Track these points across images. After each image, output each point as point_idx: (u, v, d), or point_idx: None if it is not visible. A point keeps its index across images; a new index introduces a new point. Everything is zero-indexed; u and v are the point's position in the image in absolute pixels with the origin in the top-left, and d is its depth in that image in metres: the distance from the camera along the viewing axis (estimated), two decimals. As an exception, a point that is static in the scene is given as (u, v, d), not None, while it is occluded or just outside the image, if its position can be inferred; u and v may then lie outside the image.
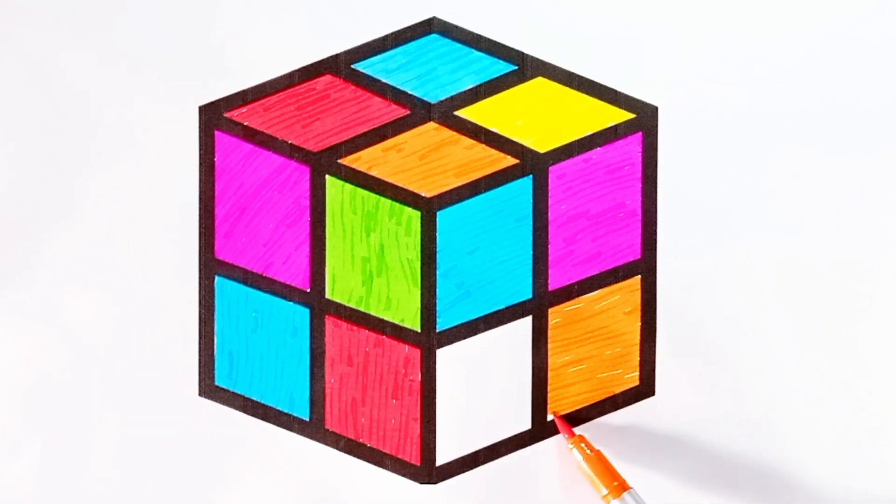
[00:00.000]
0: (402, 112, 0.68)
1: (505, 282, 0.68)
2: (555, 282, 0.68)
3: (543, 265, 0.68)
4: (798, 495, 0.66)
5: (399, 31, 0.68)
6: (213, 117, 0.68)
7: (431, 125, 0.68)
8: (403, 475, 0.68)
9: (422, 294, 0.68)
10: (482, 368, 0.67)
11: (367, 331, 0.68)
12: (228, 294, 0.68)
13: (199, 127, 0.68)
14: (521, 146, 0.68)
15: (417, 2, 0.68)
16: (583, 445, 0.64)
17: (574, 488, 0.66)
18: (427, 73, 0.68)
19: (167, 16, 0.68)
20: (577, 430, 0.67)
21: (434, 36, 0.68)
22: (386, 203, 0.68)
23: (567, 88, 0.68)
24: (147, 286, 0.67)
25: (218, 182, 0.68)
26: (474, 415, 0.67)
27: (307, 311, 0.68)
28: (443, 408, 0.68)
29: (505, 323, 0.68)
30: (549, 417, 0.67)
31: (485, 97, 0.68)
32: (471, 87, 0.68)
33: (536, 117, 0.68)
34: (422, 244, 0.68)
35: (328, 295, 0.68)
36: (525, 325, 0.68)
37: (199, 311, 0.68)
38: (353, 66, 0.68)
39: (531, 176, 0.68)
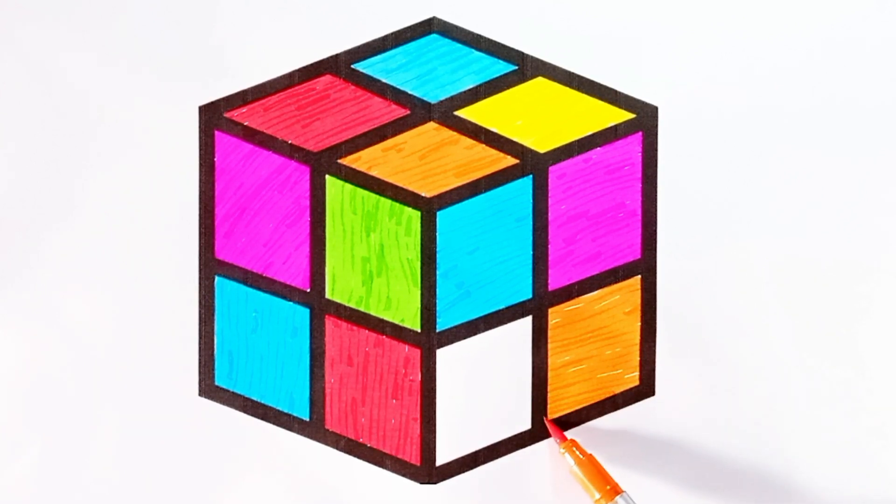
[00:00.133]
0: (402, 112, 0.68)
1: (505, 282, 0.68)
2: (555, 282, 0.68)
3: (543, 265, 0.68)
4: (798, 495, 0.66)
5: (399, 31, 0.68)
6: (213, 117, 0.68)
7: (431, 125, 0.68)
8: (403, 475, 0.68)
9: (422, 294, 0.68)
10: (482, 368, 0.67)
11: (367, 331, 0.68)
12: (228, 294, 0.68)
13: (199, 127, 0.68)
14: (521, 146, 0.68)
15: (417, 2, 0.68)
16: (574, 450, 0.64)
17: (574, 488, 0.66)
18: (427, 73, 0.68)
19: (167, 16, 0.68)
20: (578, 431, 0.67)
21: (434, 36, 0.68)
22: (386, 203, 0.68)
23: (567, 88, 0.68)
24: (147, 286, 0.67)
25: (218, 182, 0.68)
26: (474, 415, 0.67)
27: (307, 311, 0.68)
28: (443, 408, 0.68)
29: (505, 323, 0.68)
30: (549, 417, 0.67)
31: (485, 97, 0.68)
32: (471, 87, 0.68)
33: (536, 117, 0.68)
34: (422, 244, 0.68)
35: (328, 295, 0.68)
36: (525, 325, 0.68)
37: (199, 311, 0.68)
38: (353, 66, 0.68)
39: (531, 176, 0.68)
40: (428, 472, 0.68)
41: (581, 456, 0.64)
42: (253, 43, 0.68)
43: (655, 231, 0.68)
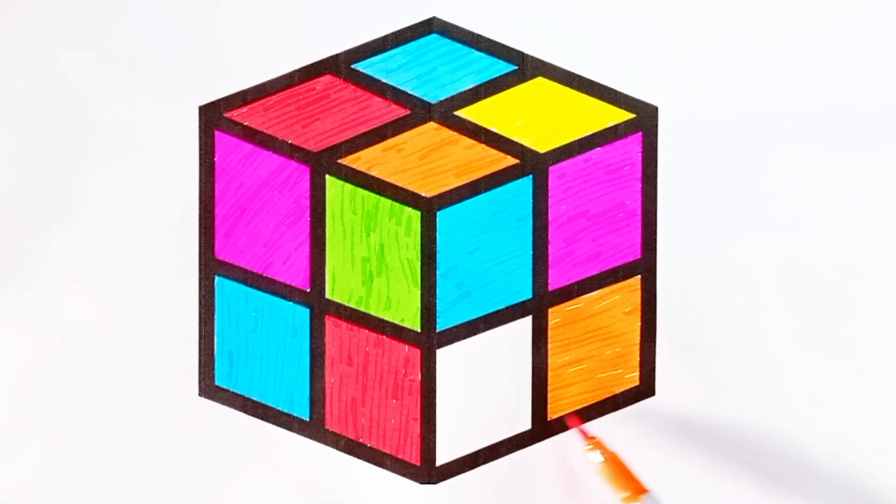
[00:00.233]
0: (402, 112, 0.68)
1: (505, 282, 0.68)
2: (555, 282, 0.68)
3: (543, 265, 0.68)
4: (798, 495, 0.66)
5: (399, 31, 0.68)
6: (213, 117, 0.68)
7: (431, 125, 0.68)
8: (403, 475, 0.68)
9: (422, 294, 0.68)
10: (482, 368, 0.67)
11: (367, 331, 0.68)
12: (228, 294, 0.68)
13: (199, 127, 0.68)
14: (521, 146, 0.68)
15: (417, 2, 0.68)
16: (600, 451, 0.64)
17: (573, 488, 0.66)
18: (427, 73, 0.68)
19: (167, 16, 0.68)
20: (576, 431, 0.67)
21: (434, 36, 0.68)
22: (386, 203, 0.68)
23: (567, 88, 0.68)
24: (147, 286, 0.67)
25: (218, 182, 0.68)
26: (474, 415, 0.67)
27: (307, 311, 0.68)
28: (443, 408, 0.68)
29: (505, 323, 0.68)
30: (550, 417, 0.67)
31: (485, 97, 0.68)
32: (471, 87, 0.68)
33: (536, 117, 0.68)
34: (422, 244, 0.68)
35: (328, 295, 0.68)
36: (525, 325, 0.68)
37: (199, 311, 0.68)
38: (353, 66, 0.68)
39: (531, 176, 0.68)
40: (428, 472, 0.68)
41: (605, 455, 0.64)
42: (253, 43, 0.68)
43: (655, 231, 0.68)
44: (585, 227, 0.68)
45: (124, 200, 0.68)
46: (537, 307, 0.68)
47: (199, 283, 0.68)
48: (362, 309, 0.68)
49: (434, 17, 0.68)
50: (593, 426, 0.67)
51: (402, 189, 0.68)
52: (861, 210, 0.67)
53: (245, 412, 0.68)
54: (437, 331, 0.68)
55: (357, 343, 0.68)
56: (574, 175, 0.68)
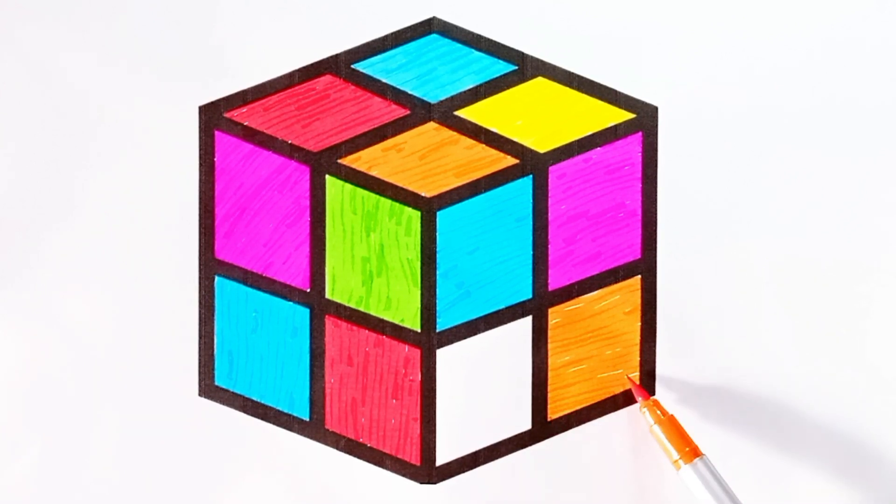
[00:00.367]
0: (402, 112, 0.68)
1: (505, 282, 0.68)
2: (555, 282, 0.68)
3: (543, 265, 0.68)
4: (798, 495, 0.66)
5: (399, 31, 0.68)
6: (213, 117, 0.68)
7: (431, 125, 0.68)
8: (403, 475, 0.68)
9: (422, 294, 0.68)
10: (482, 368, 0.67)
11: (367, 331, 0.68)
12: (228, 294, 0.68)
13: (199, 127, 0.68)
14: (521, 146, 0.68)
15: (417, 2, 0.68)
16: (656, 410, 0.64)
17: (574, 488, 0.66)
18: (427, 73, 0.68)
19: (167, 16, 0.68)
20: (578, 431, 0.67)
21: (434, 36, 0.68)
22: (386, 203, 0.68)
23: (567, 88, 0.68)
24: (147, 286, 0.67)
25: (218, 182, 0.68)
26: (474, 415, 0.67)
27: (307, 311, 0.68)
28: (443, 408, 0.68)
29: (505, 323, 0.68)
30: (550, 417, 0.67)
31: (485, 97, 0.68)
32: (471, 87, 0.68)
33: (536, 117, 0.68)
34: (422, 244, 0.68)
35: (328, 295, 0.68)
36: (525, 325, 0.68)
37: (199, 311, 0.68)
38: (353, 66, 0.68)
39: (531, 176, 0.68)
40: (428, 472, 0.68)
41: (662, 416, 0.63)
42: (253, 43, 0.68)
43: (655, 231, 0.68)
44: (585, 227, 0.68)
45: (124, 200, 0.68)
46: (537, 307, 0.68)
47: (199, 283, 0.68)
48: (362, 309, 0.68)
49: (434, 17, 0.68)
50: (593, 426, 0.67)
51: (402, 189, 0.68)
52: (861, 210, 0.67)
53: (245, 412, 0.68)
54: (437, 331, 0.68)
55: (357, 343, 0.68)
56: (574, 175, 0.68)
